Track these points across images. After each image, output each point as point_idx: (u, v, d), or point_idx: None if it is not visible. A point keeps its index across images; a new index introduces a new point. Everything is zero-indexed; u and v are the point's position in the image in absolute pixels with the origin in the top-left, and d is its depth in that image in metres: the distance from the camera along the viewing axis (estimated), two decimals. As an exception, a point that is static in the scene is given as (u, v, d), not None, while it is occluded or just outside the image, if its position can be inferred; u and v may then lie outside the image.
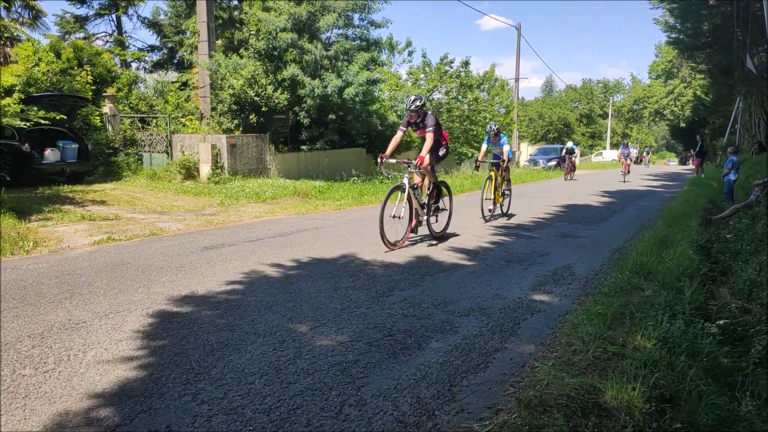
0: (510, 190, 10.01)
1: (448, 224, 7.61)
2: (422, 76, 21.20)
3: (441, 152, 7.13)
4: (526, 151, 37.11)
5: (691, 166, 34.40)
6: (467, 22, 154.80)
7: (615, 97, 68.04)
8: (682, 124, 51.55)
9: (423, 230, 7.20)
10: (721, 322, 4.11)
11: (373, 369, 3.10)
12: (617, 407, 2.62)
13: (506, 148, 9.45)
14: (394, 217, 6.41)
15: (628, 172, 22.20)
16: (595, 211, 11.11)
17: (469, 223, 8.84)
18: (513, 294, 4.71)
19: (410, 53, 20.88)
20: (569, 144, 24.88)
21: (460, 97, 21.10)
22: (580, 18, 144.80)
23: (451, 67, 20.63)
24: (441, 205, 7.34)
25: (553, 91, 77.59)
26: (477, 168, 9.59)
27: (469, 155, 20.98)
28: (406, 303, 4.36)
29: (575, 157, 25.26)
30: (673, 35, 27.58)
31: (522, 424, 2.47)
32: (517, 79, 32.53)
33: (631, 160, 25.03)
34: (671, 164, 60.10)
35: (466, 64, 20.72)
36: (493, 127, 9.50)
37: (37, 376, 2.91)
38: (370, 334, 3.65)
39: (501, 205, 9.66)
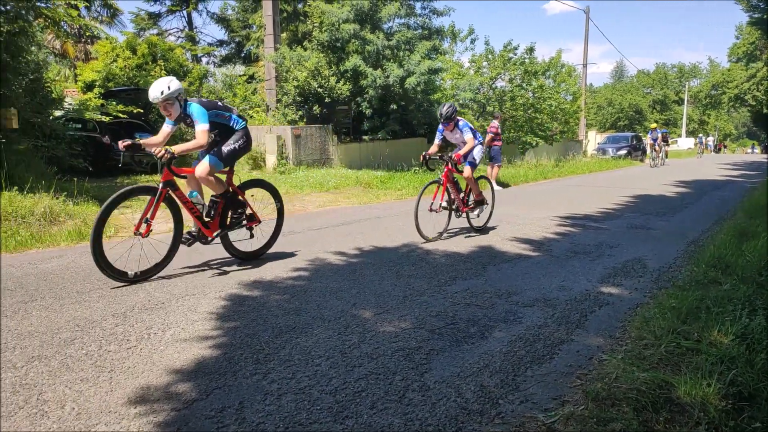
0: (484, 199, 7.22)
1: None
2: (485, 63, 20.77)
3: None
4: (594, 139, 35.79)
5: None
6: (533, 6, 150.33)
7: (691, 82, 64.40)
8: (765, 110, 48.13)
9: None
10: (809, 319, 3.86)
11: (436, 356, 3.12)
12: (690, 403, 2.52)
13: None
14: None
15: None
16: (668, 202, 10.62)
17: (534, 214, 8.67)
18: (580, 286, 4.60)
19: (473, 41, 20.44)
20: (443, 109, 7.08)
21: (524, 84, 20.56)
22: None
23: (515, 54, 20.09)
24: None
25: (624, 77, 74.35)
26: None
27: (534, 144, 20.48)
28: (469, 292, 4.35)
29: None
30: (755, 15, 25.74)
31: (589, 416, 2.42)
32: (585, 65, 31.41)
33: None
34: (753, 152, 56.44)
35: (530, 50, 20.13)
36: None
37: (121, 352, 3.12)
38: (432, 321, 3.67)
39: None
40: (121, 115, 12.52)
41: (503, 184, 13.96)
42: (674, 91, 63.20)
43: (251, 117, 16.61)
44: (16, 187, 7.32)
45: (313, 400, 2.59)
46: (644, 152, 28.62)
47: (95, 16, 25.74)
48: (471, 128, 6.80)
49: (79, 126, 12.49)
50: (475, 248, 6.01)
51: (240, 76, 22.40)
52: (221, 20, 29.39)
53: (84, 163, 10.50)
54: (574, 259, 5.60)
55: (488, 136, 13.32)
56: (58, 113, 11.16)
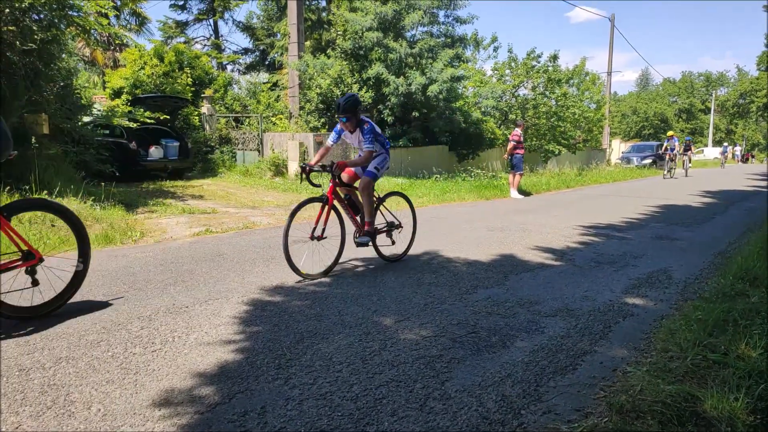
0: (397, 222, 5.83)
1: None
2: (508, 71, 20.73)
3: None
4: (618, 148, 35.34)
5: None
6: (557, 14, 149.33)
7: (718, 91, 63.27)
8: (797, 119, 47.12)
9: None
10: (842, 334, 3.76)
11: (457, 364, 3.11)
12: (717, 417, 2.47)
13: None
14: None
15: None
16: (694, 212, 10.43)
17: (557, 223, 8.59)
18: (603, 296, 4.54)
19: (495, 49, 20.43)
20: None
21: (547, 92, 20.44)
22: (680, 6, 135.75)
23: (539, 62, 20.02)
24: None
25: (650, 85, 73.47)
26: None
27: (556, 152, 20.31)
28: (490, 301, 4.32)
29: None
30: (788, 21, 25.25)
31: (613, 428, 2.39)
32: (609, 73, 31.14)
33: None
34: None
35: (554, 58, 20.03)
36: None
37: (146, 355, 3.17)
38: (453, 330, 3.66)
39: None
40: (148, 121, 12.78)
41: (525, 193, 13.87)
42: (700, 100, 62.18)
43: (274, 124, 16.79)
44: (45, 191, 7.50)
45: (335, 407, 2.60)
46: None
47: (124, 24, 26.38)
48: (376, 136, 5.24)
49: (107, 132, 12.78)
50: (497, 257, 5.98)
51: (264, 83, 22.68)
52: (246, 29, 29.88)
53: (111, 168, 10.74)
54: (597, 269, 5.53)
55: (510, 144, 13.27)
56: (86, 119, 11.43)
